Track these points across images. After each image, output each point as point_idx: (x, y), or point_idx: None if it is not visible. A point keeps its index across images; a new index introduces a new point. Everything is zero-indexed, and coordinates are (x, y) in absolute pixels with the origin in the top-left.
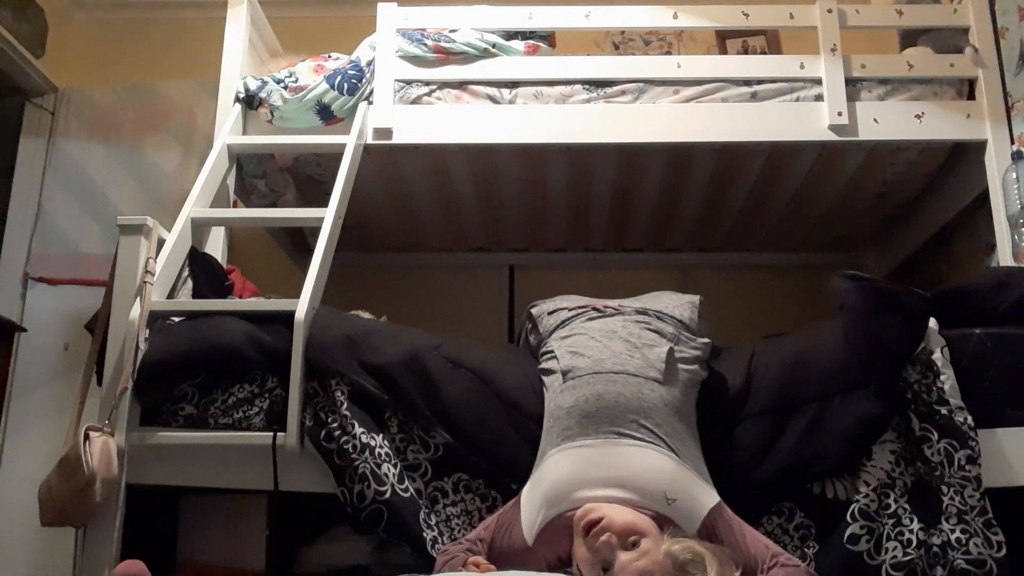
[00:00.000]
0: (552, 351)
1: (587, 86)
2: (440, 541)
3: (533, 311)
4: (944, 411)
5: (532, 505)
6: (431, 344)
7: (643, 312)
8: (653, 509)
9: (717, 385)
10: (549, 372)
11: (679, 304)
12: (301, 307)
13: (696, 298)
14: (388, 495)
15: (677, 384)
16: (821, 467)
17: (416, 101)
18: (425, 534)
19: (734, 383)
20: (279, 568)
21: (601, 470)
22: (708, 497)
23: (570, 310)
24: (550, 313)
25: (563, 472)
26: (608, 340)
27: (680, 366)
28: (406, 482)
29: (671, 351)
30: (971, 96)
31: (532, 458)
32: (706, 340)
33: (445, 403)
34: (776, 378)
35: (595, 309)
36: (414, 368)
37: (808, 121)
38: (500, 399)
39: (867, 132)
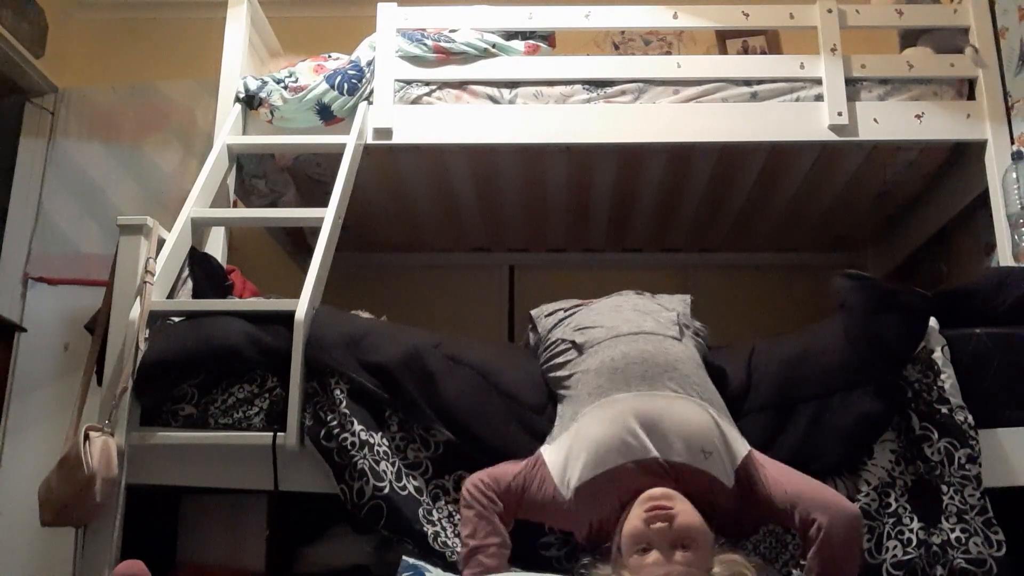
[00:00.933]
0: (557, 339)
1: (587, 86)
2: (441, 536)
3: (532, 312)
4: (944, 410)
5: (570, 461)
6: (431, 343)
7: (640, 294)
8: (692, 464)
9: (717, 380)
10: (558, 356)
11: (672, 299)
12: (301, 307)
13: (687, 297)
14: (387, 491)
15: (691, 345)
16: (822, 464)
17: (416, 101)
18: (426, 529)
19: (734, 378)
20: (279, 568)
21: (642, 426)
22: (741, 446)
23: (566, 310)
24: (547, 315)
25: (605, 429)
26: (616, 312)
27: (688, 332)
28: (403, 480)
29: (679, 315)
30: (971, 96)
31: (531, 448)
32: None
33: (445, 398)
34: (776, 374)
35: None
36: (414, 366)
37: (808, 121)
38: (500, 392)
39: (867, 132)
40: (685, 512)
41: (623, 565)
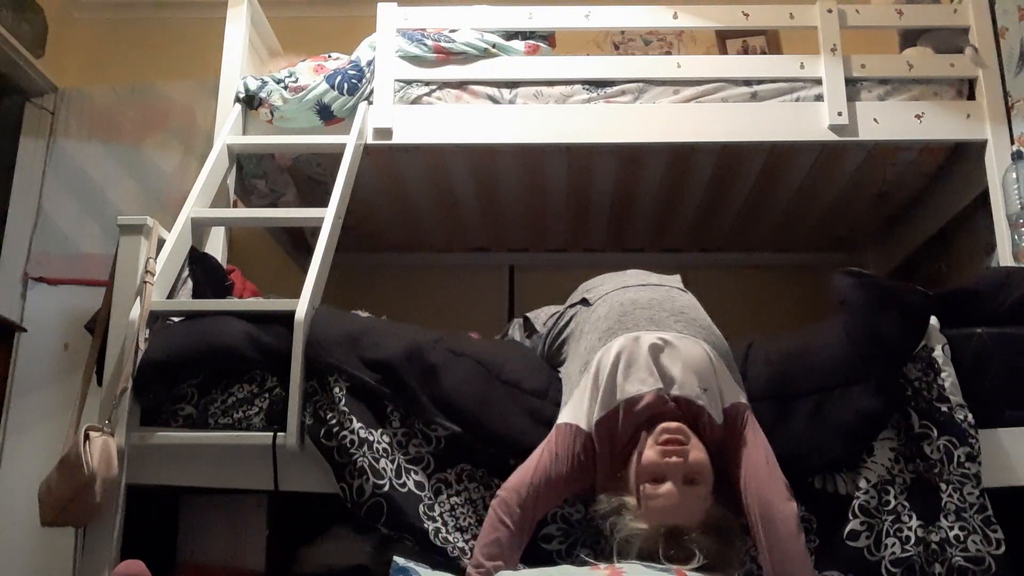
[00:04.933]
0: (563, 309)
1: (587, 86)
2: (442, 532)
3: (528, 314)
4: (944, 408)
5: (590, 400)
6: (431, 338)
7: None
8: (690, 398)
9: None
10: (567, 320)
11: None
12: (301, 307)
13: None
14: (387, 488)
15: (696, 301)
16: (820, 460)
17: (416, 101)
18: (427, 525)
19: None
20: (279, 568)
21: (651, 360)
22: (735, 392)
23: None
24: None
25: (619, 365)
26: (621, 274)
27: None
28: (404, 477)
29: (681, 279)
30: (971, 96)
31: (536, 434)
32: None
33: (446, 389)
34: (775, 366)
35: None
36: (415, 359)
37: (808, 121)
38: (502, 381)
39: (867, 132)
40: (697, 448)
41: (636, 491)
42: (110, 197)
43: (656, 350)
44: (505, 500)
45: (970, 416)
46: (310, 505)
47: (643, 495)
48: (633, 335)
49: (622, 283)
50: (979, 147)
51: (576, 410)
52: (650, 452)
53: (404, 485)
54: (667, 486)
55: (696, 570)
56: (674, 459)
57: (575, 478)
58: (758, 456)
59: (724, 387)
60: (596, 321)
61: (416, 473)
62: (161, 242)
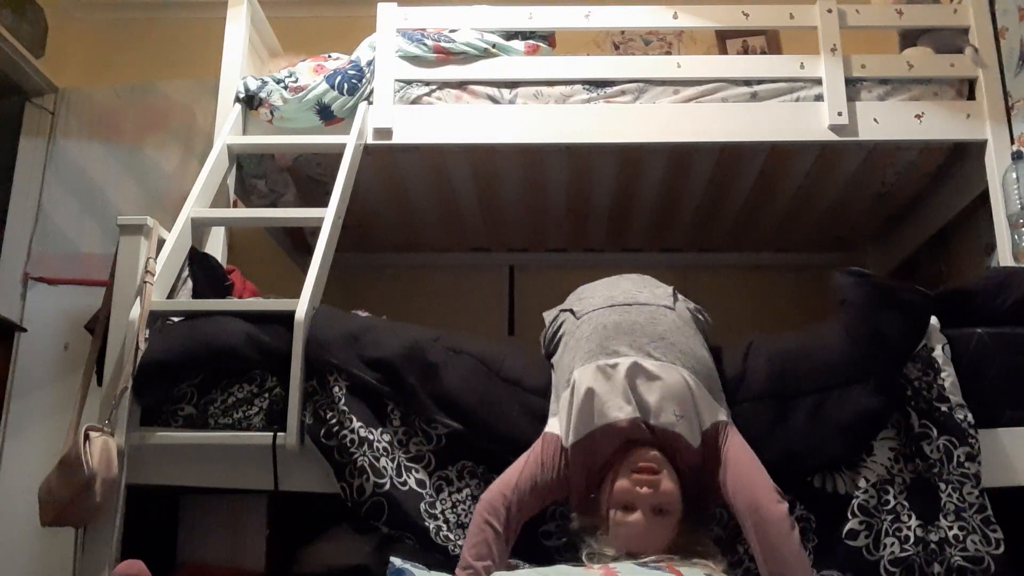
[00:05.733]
0: (557, 312)
1: (587, 86)
2: (443, 531)
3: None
4: (944, 408)
5: (569, 417)
6: (431, 336)
7: (641, 277)
8: (664, 426)
9: (714, 361)
10: (558, 325)
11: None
12: (301, 307)
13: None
14: (387, 487)
15: (687, 314)
16: (820, 459)
17: (416, 101)
18: (428, 524)
19: (731, 364)
20: (279, 568)
21: (627, 388)
22: (715, 413)
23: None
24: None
25: (595, 390)
26: (614, 284)
27: (686, 306)
28: (404, 475)
29: (675, 290)
30: (971, 96)
31: (536, 431)
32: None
33: (448, 387)
34: (775, 365)
35: None
36: (415, 358)
37: (808, 121)
38: (501, 377)
39: (867, 132)
40: (668, 478)
41: (606, 516)
42: (110, 197)
43: (633, 377)
44: (490, 502)
45: (970, 416)
46: (310, 505)
47: (612, 521)
48: (612, 361)
49: (610, 300)
50: (979, 147)
51: (560, 424)
52: (623, 480)
53: (405, 484)
54: (636, 515)
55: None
56: (645, 490)
57: (557, 488)
58: (741, 464)
59: (703, 410)
60: (579, 340)
61: (417, 471)
62: (161, 242)
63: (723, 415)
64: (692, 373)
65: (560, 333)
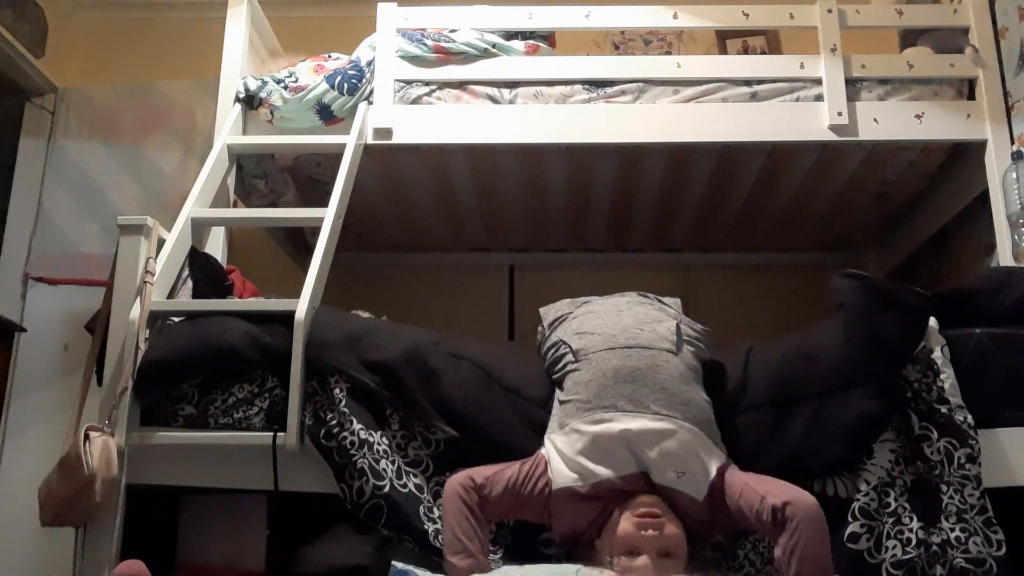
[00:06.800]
0: (559, 340)
1: (587, 86)
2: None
3: (541, 310)
4: (944, 410)
5: (557, 467)
6: (431, 340)
7: (644, 295)
8: (665, 484)
9: (715, 375)
10: (560, 359)
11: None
12: (301, 307)
13: (677, 300)
14: (387, 489)
15: (688, 354)
16: (821, 463)
17: (416, 101)
18: (427, 527)
19: (732, 374)
20: (279, 568)
21: (624, 445)
22: (716, 461)
23: (571, 313)
24: (554, 314)
25: (590, 447)
26: (616, 316)
27: (686, 341)
28: (404, 478)
29: (679, 325)
30: (971, 96)
31: (535, 442)
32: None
33: (447, 394)
34: (775, 372)
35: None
36: (416, 363)
37: (808, 121)
38: (502, 386)
39: (867, 132)
40: (672, 522)
41: (610, 565)
42: (110, 197)
43: (628, 436)
44: (462, 483)
45: (970, 417)
46: (310, 505)
47: (618, 568)
48: (609, 415)
49: (611, 340)
50: (979, 147)
51: (554, 455)
52: (626, 524)
53: (405, 486)
54: (643, 559)
55: None
56: (650, 532)
57: (530, 507)
58: (750, 477)
59: (707, 460)
60: (578, 384)
61: (415, 476)
62: (161, 242)
63: (723, 457)
64: (693, 424)
65: (558, 366)
